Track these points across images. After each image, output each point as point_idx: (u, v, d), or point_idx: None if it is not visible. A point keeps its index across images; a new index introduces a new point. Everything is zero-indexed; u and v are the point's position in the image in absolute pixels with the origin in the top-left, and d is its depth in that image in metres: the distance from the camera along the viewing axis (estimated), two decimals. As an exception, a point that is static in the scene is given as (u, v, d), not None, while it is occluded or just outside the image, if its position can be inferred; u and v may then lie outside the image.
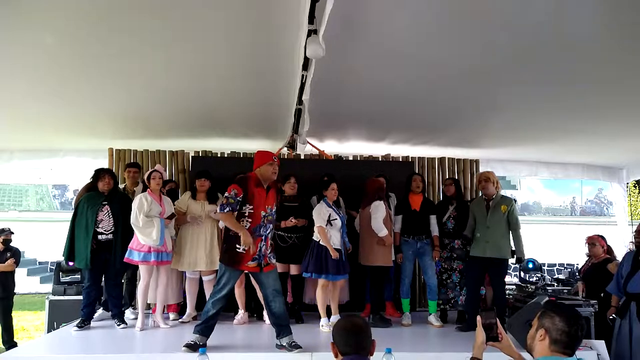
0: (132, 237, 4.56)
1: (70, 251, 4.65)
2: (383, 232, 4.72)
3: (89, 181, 4.87)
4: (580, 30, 3.03)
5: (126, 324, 4.66)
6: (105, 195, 4.68)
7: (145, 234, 4.48)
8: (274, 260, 4.04)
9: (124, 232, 4.62)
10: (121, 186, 5.24)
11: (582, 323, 1.97)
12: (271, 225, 3.98)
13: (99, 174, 4.74)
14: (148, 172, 4.76)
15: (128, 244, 4.58)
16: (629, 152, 6.48)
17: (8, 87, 4.01)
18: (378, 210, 4.77)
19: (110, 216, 4.63)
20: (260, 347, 4.08)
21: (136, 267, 5.01)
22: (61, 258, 5.09)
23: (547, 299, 4.13)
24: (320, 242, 4.66)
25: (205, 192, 4.99)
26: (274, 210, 3.98)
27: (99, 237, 4.59)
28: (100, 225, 4.60)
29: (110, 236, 4.61)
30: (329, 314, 4.71)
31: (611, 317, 4.30)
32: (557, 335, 1.92)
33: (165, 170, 5.68)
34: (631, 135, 5.48)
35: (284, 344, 3.83)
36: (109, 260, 4.60)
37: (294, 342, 3.82)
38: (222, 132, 5.49)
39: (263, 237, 3.89)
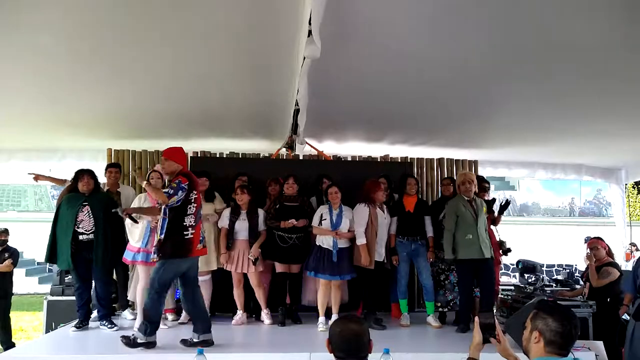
0: (116, 237, 4.58)
1: (51, 253, 4.61)
2: (360, 240, 4.67)
3: (69, 182, 4.83)
4: (580, 31, 3.03)
5: (115, 325, 4.59)
6: (85, 196, 4.62)
7: (131, 234, 4.54)
8: (154, 256, 3.99)
9: (105, 231, 4.57)
10: (105, 188, 5.19)
11: (576, 322, 1.93)
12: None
13: (78, 174, 4.69)
14: (147, 173, 4.76)
15: (110, 243, 4.56)
16: (627, 153, 6.49)
17: (7, 87, 4.00)
18: (357, 213, 4.73)
19: (91, 216, 4.56)
20: (259, 348, 4.09)
21: (127, 268, 5.02)
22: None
23: (545, 299, 4.13)
24: (317, 242, 4.73)
25: (204, 192, 4.99)
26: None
27: (80, 237, 4.53)
28: (80, 226, 4.54)
29: (90, 236, 4.54)
30: (329, 314, 4.72)
31: (623, 317, 4.29)
32: (552, 337, 1.89)
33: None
34: (630, 137, 5.49)
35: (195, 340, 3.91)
36: (91, 260, 4.55)
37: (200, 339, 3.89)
38: (221, 132, 5.48)
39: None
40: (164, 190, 3.89)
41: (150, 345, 3.82)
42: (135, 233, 4.54)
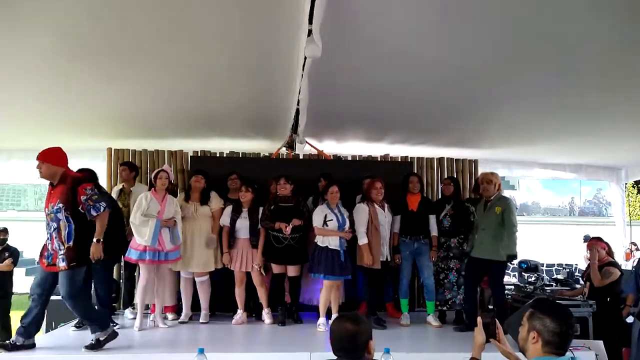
0: (115, 236, 4.52)
1: None
2: (362, 240, 4.67)
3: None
4: (581, 31, 3.03)
5: (116, 324, 4.54)
6: None
7: (139, 233, 4.50)
8: (62, 264, 3.73)
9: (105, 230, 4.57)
10: (119, 186, 5.25)
11: (572, 322, 1.93)
12: (55, 224, 3.75)
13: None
14: (155, 172, 4.75)
15: (109, 242, 4.53)
16: (628, 153, 6.49)
17: (7, 87, 4.00)
18: (357, 213, 4.74)
19: None
20: (259, 347, 4.08)
21: (134, 267, 5.02)
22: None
23: (542, 298, 4.13)
24: (319, 244, 4.69)
25: (200, 192, 4.98)
26: (55, 208, 3.77)
27: None
28: None
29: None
30: (329, 314, 4.72)
31: (630, 320, 4.27)
32: (549, 337, 1.89)
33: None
34: (630, 136, 5.49)
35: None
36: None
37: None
38: (221, 132, 5.48)
39: (48, 235, 3.80)
40: (94, 214, 3.77)
41: (113, 336, 3.86)
42: (145, 232, 4.48)
